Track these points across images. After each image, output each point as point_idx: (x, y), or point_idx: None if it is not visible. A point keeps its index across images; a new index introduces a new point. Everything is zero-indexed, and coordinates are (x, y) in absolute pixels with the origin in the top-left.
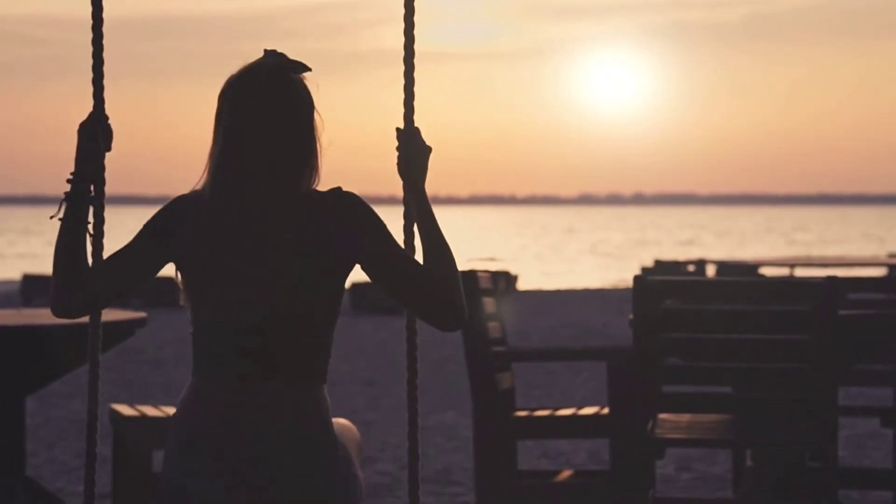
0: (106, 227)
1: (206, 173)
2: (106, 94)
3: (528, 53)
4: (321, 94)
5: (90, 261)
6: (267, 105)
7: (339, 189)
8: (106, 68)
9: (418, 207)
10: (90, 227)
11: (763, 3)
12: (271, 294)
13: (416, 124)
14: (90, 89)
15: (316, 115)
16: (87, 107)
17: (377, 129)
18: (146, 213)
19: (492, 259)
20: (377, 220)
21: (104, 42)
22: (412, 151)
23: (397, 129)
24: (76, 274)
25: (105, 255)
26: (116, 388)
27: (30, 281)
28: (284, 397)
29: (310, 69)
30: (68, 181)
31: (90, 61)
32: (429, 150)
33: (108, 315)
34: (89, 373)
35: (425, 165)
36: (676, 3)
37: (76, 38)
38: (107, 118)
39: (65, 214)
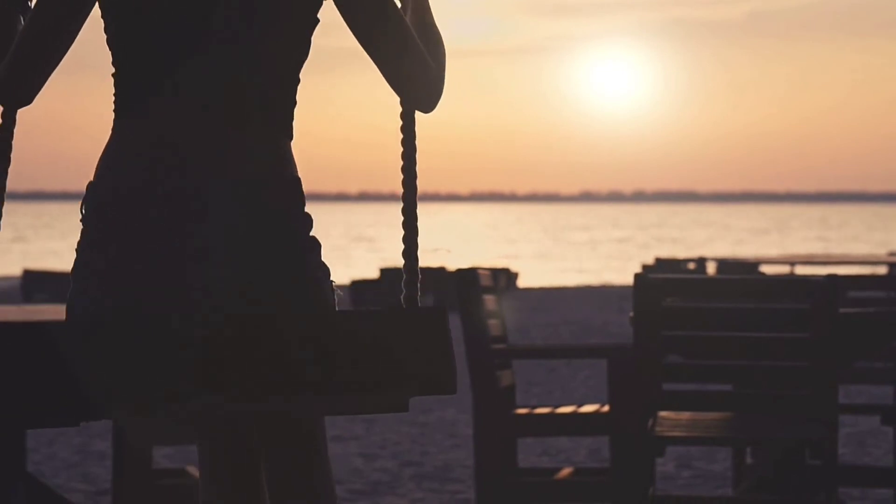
0: None
1: None
2: (100, 91)
3: (529, 50)
4: (321, 90)
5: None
6: None
7: None
8: (102, 65)
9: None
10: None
11: (763, 0)
12: (225, 18)
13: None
14: (95, 85)
15: None
16: (92, 102)
17: (378, 127)
18: None
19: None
20: None
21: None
22: None
23: None
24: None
25: None
26: None
27: (30, 276)
28: (242, 145)
29: None
30: None
31: (96, 57)
32: None
33: None
34: None
35: None
36: (677, 0)
37: (81, 34)
38: None
39: None
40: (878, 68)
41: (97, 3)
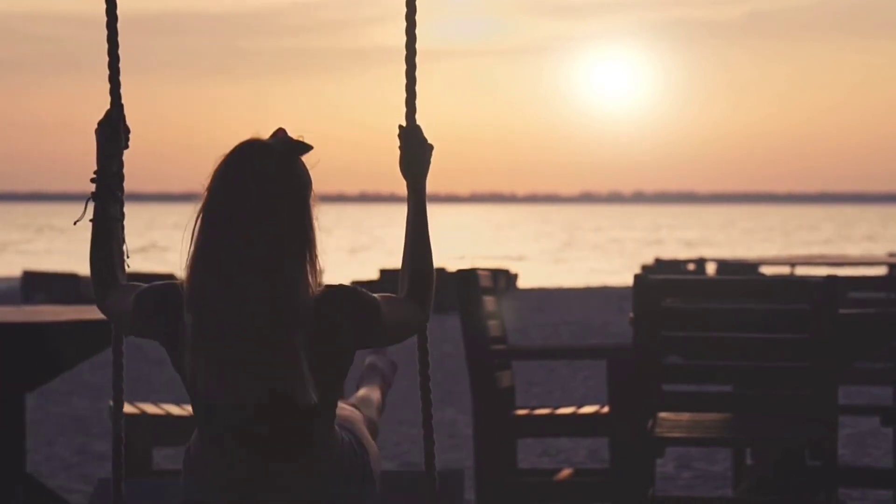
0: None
1: (198, 265)
2: (97, 92)
3: (529, 50)
4: (321, 91)
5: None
6: (271, 198)
7: (335, 288)
8: (98, 67)
9: (415, 205)
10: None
11: (763, 1)
12: (282, 386)
13: (417, 122)
14: (94, 85)
15: (312, 201)
16: (91, 103)
17: (378, 127)
18: (140, 211)
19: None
20: (374, 303)
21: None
22: (414, 149)
23: (399, 127)
24: (113, 271)
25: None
26: None
27: (30, 278)
28: (304, 472)
29: (311, 147)
30: (93, 180)
31: (94, 57)
32: (431, 147)
33: None
34: (114, 364)
35: (427, 163)
36: (677, 1)
37: (80, 34)
38: (124, 116)
39: (95, 213)
40: (879, 69)
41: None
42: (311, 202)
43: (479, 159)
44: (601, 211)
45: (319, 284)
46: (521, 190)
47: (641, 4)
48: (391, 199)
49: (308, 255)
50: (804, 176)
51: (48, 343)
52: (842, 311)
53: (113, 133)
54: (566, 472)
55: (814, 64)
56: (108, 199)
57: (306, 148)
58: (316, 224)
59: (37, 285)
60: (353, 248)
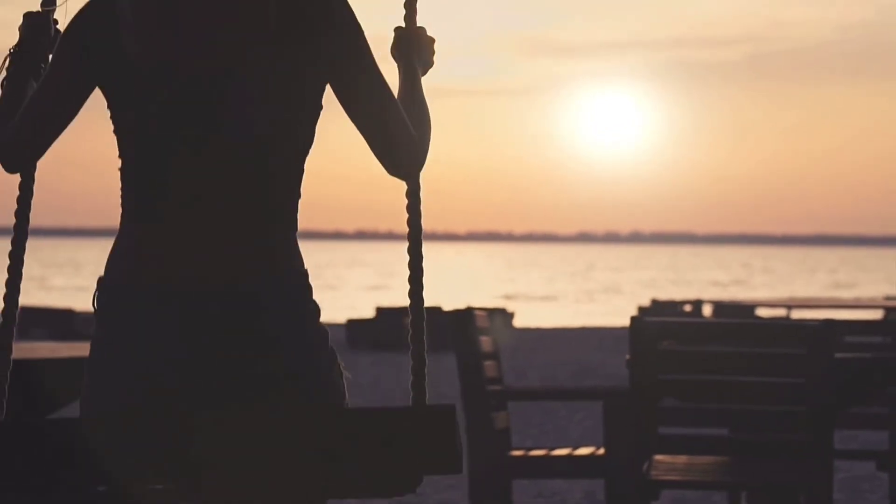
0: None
1: None
2: (98, 118)
3: (526, 90)
4: (319, 128)
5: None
6: None
7: None
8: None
9: (409, 78)
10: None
11: (764, 42)
12: (232, 106)
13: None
14: (100, 100)
15: None
16: (94, 116)
17: (375, 163)
18: None
19: (506, 297)
20: (359, 28)
21: None
22: (415, 36)
23: (397, 29)
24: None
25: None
26: None
27: (25, 313)
28: (254, 248)
29: None
30: (12, 49)
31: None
32: (432, 39)
33: None
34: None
35: (430, 50)
36: (677, 41)
37: None
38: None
39: (9, 69)
40: (882, 112)
41: (103, 92)
42: None
43: (476, 198)
44: (598, 251)
45: None
46: (518, 229)
47: (641, 45)
48: (388, 237)
49: None
50: (802, 218)
51: (44, 380)
52: (838, 354)
53: (47, 19)
54: None
55: (816, 107)
56: (29, 57)
57: None
58: None
59: (33, 321)
60: (349, 286)
